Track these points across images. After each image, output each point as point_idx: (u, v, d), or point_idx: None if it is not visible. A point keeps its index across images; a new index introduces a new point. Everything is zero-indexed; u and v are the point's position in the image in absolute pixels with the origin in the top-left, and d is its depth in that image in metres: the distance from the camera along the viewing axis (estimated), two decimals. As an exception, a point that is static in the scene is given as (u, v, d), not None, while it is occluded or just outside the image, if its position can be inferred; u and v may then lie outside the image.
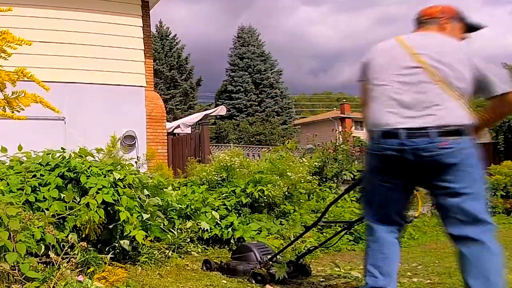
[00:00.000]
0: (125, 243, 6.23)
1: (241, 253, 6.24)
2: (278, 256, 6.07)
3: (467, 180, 3.66)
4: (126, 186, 6.35)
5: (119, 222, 6.13)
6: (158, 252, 6.72)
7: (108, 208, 6.12)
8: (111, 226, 6.27)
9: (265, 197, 8.58)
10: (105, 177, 6.26)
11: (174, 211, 7.53)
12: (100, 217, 5.80)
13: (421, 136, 3.64)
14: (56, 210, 5.63)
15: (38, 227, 5.11)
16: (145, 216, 6.38)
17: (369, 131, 3.96)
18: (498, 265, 3.62)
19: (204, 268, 6.35)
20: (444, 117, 3.67)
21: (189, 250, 7.48)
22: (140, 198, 6.52)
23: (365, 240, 4.14)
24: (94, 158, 6.96)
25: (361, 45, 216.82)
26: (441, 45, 3.85)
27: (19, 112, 4.35)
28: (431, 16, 4.12)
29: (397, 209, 4.13)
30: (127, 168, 6.84)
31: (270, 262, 5.88)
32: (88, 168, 6.27)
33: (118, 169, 6.59)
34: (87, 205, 5.77)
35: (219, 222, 8.03)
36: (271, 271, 5.70)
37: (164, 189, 7.68)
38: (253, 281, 5.65)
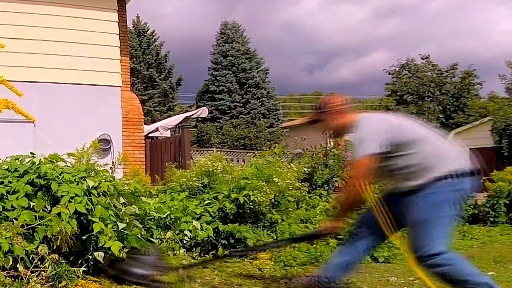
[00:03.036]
0: (99, 255, 6.21)
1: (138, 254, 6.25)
2: None
3: None
4: (101, 194, 6.33)
5: (93, 233, 6.11)
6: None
7: (81, 218, 6.09)
8: (84, 237, 6.24)
9: (250, 203, 8.58)
10: (78, 184, 6.23)
11: (153, 220, 7.53)
12: (72, 228, 5.78)
13: None
14: (25, 220, 5.61)
15: (5, 238, 5.11)
16: (121, 225, 6.36)
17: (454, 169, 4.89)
18: None
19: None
20: None
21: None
22: (115, 207, 6.50)
23: (449, 262, 4.74)
24: (66, 163, 6.94)
25: (362, 40, 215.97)
26: None
27: (-12, 117, 4.36)
28: None
29: None
30: (102, 174, 6.83)
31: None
32: (60, 175, 6.25)
33: (92, 175, 6.58)
34: (59, 214, 5.75)
35: (199, 232, 8.01)
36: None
37: (142, 197, 7.68)
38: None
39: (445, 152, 4.98)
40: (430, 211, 4.79)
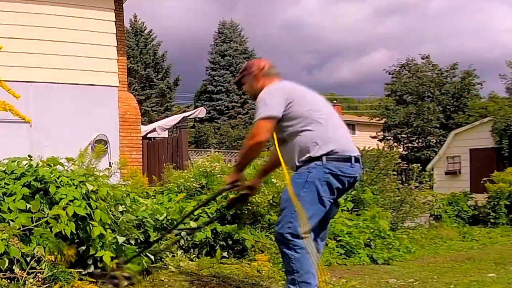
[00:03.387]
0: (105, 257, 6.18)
1: None
2: None
3: None
4: (99, 199, 6.29)
5: (90, 243, 6.07)
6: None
7: (79, 225, 6.05)
8: (82, 248, 6.19)
9: (248, 204, 8.57)
10: (76, 188, 6.18)
11: (150, 223, 7.49)
12: (71, 231, 5.76)
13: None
14: (22, 222, 5.59)
15: (1, 240, 5.11)
16: (121, 239, 6.32)
17: (334, 152, 5.03)
18: None
19: None
20: None
21: (166, 263, 7.47)
22: (114, 215, 6.46)
23: (300, 247, 4.93)
24: (64, 167, 6.91)
25: (363, 40, 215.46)
26: None
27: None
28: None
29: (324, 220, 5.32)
30: (101, 180, 6.79)
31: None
32: (58, 178, 6.21)
33: (91, 180, 6.53)
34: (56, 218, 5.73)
35: (197, 233, 7.98)
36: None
37: (139, 198, 7.66)
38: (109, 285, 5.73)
39: (332, 135, 5.09)
40: (297, 190, 4.97)
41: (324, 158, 4.94)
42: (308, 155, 5.02)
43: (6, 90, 4.31)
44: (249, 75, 5.64)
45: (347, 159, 5.04)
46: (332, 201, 5.10)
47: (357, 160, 5.12)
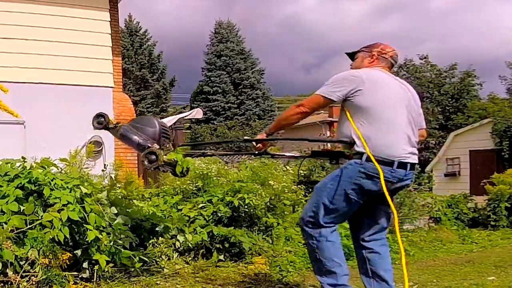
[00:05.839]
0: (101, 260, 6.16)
1: (142, 124, 6.14)
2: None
3: None
4: (94, 202, 6.27)
5: (86, 247, 6.05)
6: (126, 271, 6.70)
7: (74, 228, 6.03)
8: (77, 251, 6.18)
9: (245, 207, 8.56)
10: (70, 191, 6.16)
11: (145, 227, 7.48)
12: (65, 236, 5.74)
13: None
14: (15, 225, 5.57)
15: (-6, 243, 5.10)
16: (116, 242, 6.30)
17: (376, 153, 4.88)
18: None
19: (96, 123, 6.32)
20: None
21: (162, 266, 7.45)
22: (109, 217, 6.44)
23: (320, 235, 5.10)
24: (58, 169, 6.89)
25: (363, 38, 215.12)
26: None
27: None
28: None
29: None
30: (95, 185, 6.78)
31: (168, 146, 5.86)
32: (52, 181, 6.19)
33: (86, 184, 6.51)
34: (50, 221, 5.71)
35: (189, 236, 7.95)
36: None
37: (134, 201, 7.65)
38: (146, 162, 5.52)
39: (382, 136, 4.95)
40: (327, 181, 5.16)
41: (364, 156, 4.87)
42: (353, 148, 5.00)
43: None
44: (367, 52, 5.48)
45: (388, 163, 4.90)
46: (361, 201, 5.10)
47: (402, 165, 4.97)
